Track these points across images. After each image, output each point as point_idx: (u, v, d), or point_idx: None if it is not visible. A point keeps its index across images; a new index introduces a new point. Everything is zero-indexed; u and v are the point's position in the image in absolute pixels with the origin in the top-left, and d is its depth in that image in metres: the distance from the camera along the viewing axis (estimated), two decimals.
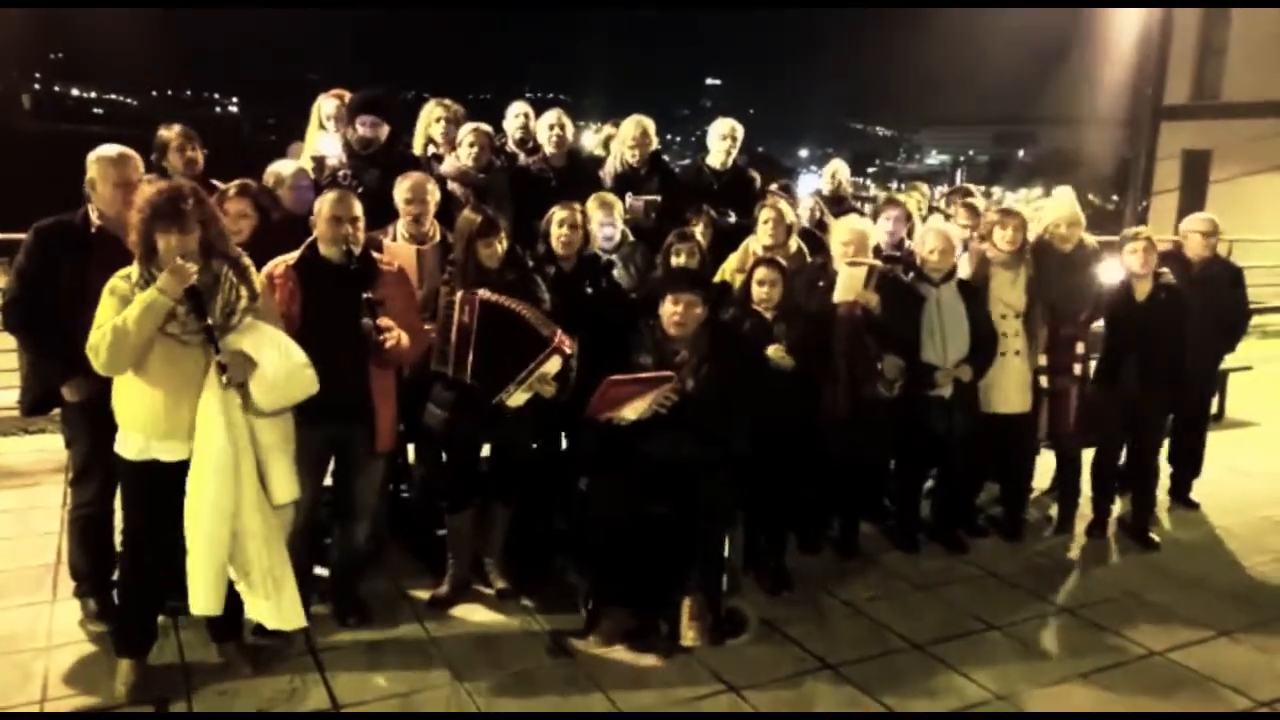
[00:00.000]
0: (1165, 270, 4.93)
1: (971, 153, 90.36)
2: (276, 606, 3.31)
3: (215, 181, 4.23)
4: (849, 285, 4.35)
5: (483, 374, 3.78)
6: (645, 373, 3.84)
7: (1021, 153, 76.93)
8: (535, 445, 4.18)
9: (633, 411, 3.78)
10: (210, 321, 3.13)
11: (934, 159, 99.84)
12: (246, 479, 3.20)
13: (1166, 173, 18.22)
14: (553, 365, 3.77)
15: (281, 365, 3.23)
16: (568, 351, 3.78)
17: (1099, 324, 5.12)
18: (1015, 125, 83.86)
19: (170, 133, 4.33)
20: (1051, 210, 5.19)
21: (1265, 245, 13.05)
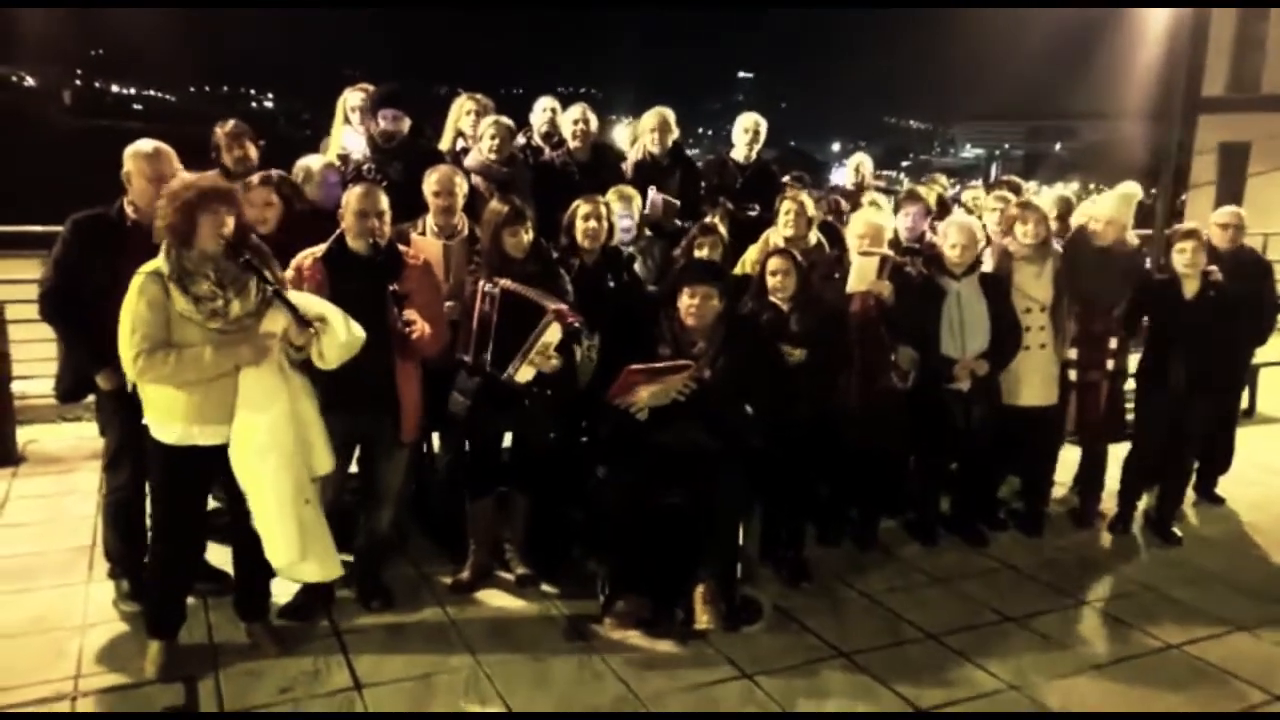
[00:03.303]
0: (1214, 268, 4.84)
1: (1007, 146, 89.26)
2: (320, 561, 3.42)
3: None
4: (862, 275, 4.37)
5: (500, 362, 3.85)
6: (664, 362, 3.89)
7: (1058, 146, 75.94)
8: (552, 436, 4.23)
9: (649, 396, 3.83)
10: (276, 288, 3.26)
11: (968, 153, 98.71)
12: (299, 440, 3.33)
13: (1204, 166, 17.90)
14: (552, 334, 3.79)
15: (341, 320, 3.36)
16: (569, 320, 3.80)
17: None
18: (1051, 119, 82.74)
19: (222, 130, 4.45)
20: (1097, 204, 5.16)
21: None
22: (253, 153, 4.46)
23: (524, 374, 3.86)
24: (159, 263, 3.20)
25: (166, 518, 3.42)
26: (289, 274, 3.63)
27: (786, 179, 5.74)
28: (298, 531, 3.31)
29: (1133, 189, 5.14)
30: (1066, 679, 3.64)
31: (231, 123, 4.51)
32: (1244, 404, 6.99)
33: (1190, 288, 4.80)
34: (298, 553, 3.33)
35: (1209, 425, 5.19)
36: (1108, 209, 5.02)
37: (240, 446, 3.27)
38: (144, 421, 3.34)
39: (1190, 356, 4.77)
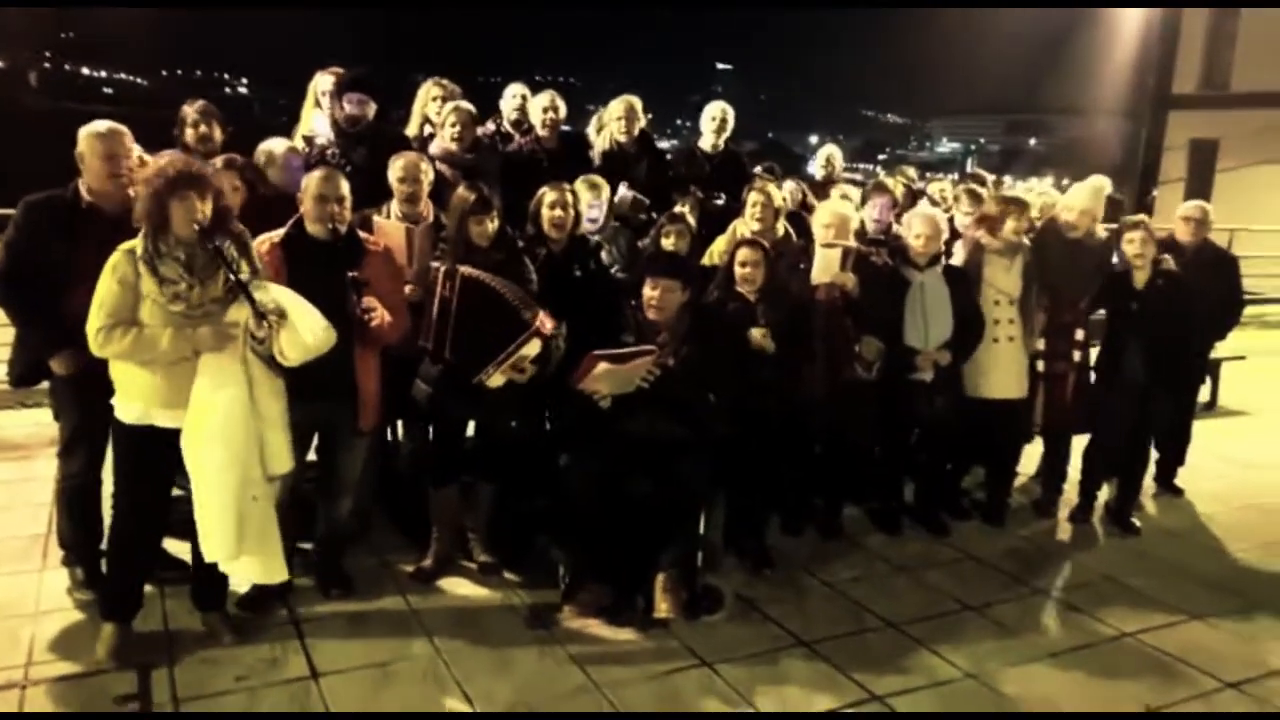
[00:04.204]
0: (1167, 257, 4.91)
1: (983, 141, 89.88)
2: (264, 562, 3.38)
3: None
4: (826, 266, 4.38)
5: (461, 351, 3.82)
6: (627, 348, 3.89)
7: (1033, 141, 76.57)
8: (514, 424, 4.22)
9: (613, 384, 3.81)
10: (239, 277, 3.19)
11: (945, 147, 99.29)
12: (252, 435, 3.28)
13: (1174, 162, 18.11)
14: (532, 348, 3.78)
15: (307, 316, 3.29)
16: (548, 334, 3.80)
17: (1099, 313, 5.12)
18: (1027, 114, 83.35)
19: (190, 108, 4.44)
20: (1069, 195, 5.20)
21: (1270, 235, 13.01)
22: (217, 134, 4.44)
23: (495, 380, 3.83)
24: (136, 242, 3.19)
25: (128, 499, 3.38)
26: None
27: (758, 170, 5.73)
28: (235, 527, 3.25)
29: (1102, 181, 5.21)
30: (1023, 667, 3.67)
31: (201, 102, 4.50)
32: (1205, 397, 7.09)
33: (1140, 277, 4.86)
34: (232, 548, 3.27)
35: (1168, 417, 5.25)
36: (1081, 200, 5.06)
37: (191, 427, 3.22)
38: (111, 401, 3.30)
39: (1143, 346, 4.83)
